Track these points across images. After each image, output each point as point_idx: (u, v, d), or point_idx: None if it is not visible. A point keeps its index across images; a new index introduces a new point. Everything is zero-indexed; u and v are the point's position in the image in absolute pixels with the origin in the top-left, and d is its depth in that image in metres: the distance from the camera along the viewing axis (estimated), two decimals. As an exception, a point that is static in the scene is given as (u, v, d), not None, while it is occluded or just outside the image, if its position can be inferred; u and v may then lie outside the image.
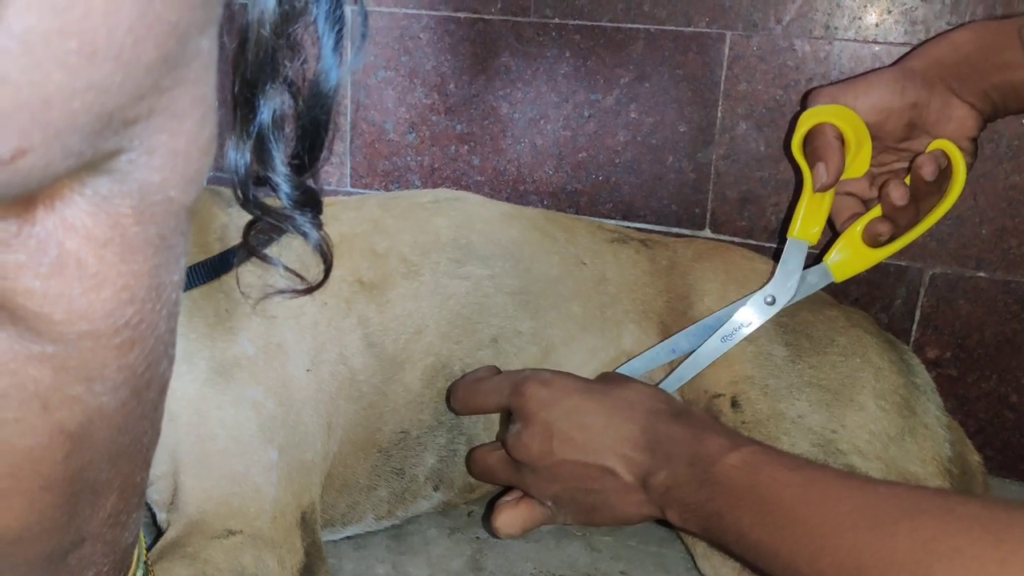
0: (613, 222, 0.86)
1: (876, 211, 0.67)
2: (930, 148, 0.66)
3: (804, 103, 0.70)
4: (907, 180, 0.68)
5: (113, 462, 0.31)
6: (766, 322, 0.68)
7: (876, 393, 0.63)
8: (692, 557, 0.64)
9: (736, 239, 0.84)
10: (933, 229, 0.78)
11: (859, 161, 0.67)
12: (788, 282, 0.67)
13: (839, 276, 0.69)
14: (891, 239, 0.67)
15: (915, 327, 0.81)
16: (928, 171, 0.64)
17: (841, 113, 0.65)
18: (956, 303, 0.79)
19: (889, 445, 0.61)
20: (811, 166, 0.66)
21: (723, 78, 0.81)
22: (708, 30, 0.81)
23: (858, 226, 0.67)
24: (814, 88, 0.70)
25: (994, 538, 0.39)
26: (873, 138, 0.67)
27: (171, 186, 0.25)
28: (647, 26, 0.82)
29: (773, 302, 0.67)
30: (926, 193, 0.66)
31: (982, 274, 0.78)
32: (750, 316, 0.67)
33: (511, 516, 0.60)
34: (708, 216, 0.85)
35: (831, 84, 0.70)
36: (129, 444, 0.31)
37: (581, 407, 0.58)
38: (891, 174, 0.69)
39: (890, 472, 0.60)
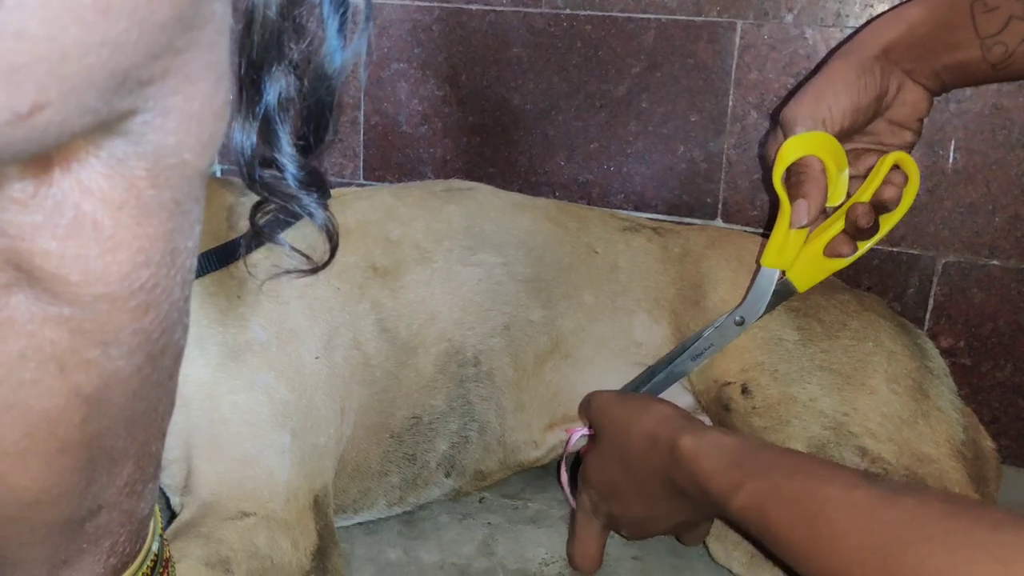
0: (625, 212, 0.86)
1: (838, 226, 0.65)
2: (887, 164, 0.65)
3: (777, 119, 0.67)
4: (867, 196, 0.66)
5: (129, 429, 0.31)
6: (777, 308, 0.68)
7: (888, 376, 0.63)
8: (704, 542, 0.64)
9: (748, 228, 0.83)
10: (946, 217, 0.78)
11: (839, 189, 0.65)
12: (757, 305, 0.67)
13: (801, 288, 0.68)
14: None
15: (928, 316, 0.81)
16: (892, 198, 0.65)
17: (823, 142, 0.64)
18: (969, 292, 0.79)
19: (902, 427, 0.61)
20: (792, 200, 0.64)
21: (734, 67, 0.81)
22: (719, 19, 0.81)
23: (820, 241, 0.66)
24: (789, 105, 0.66)
25: (1003, 568, 0.39)
26: (838, 137, 0.65)
27: (185, 149, 0.25)
28: (658, 16, 0.82)
29: (742, 323, 0.68)
30: (884, 211, 0.66)
31: (995, 262, 0.78)
32: (719, 338, 0.68)
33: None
34: (720, 205, 0.85)
35: (802, 96, 0.65)
36: (145, 411, 0.31)
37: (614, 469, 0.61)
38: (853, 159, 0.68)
39: (903, 454, 0.60)
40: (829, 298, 0.69)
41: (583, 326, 0.72)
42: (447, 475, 0.69)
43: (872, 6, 0.77)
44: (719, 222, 0.85)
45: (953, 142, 0.77)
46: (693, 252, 0.75)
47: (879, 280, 0.81)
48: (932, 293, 0.80)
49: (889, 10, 0.66)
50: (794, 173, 0.64)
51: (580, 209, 0.79)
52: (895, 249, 0.80)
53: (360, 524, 0.69)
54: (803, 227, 0.64)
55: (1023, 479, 0.78)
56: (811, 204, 0.63)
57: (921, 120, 0.67)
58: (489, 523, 0.70)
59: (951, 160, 0.77)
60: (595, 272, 0.73)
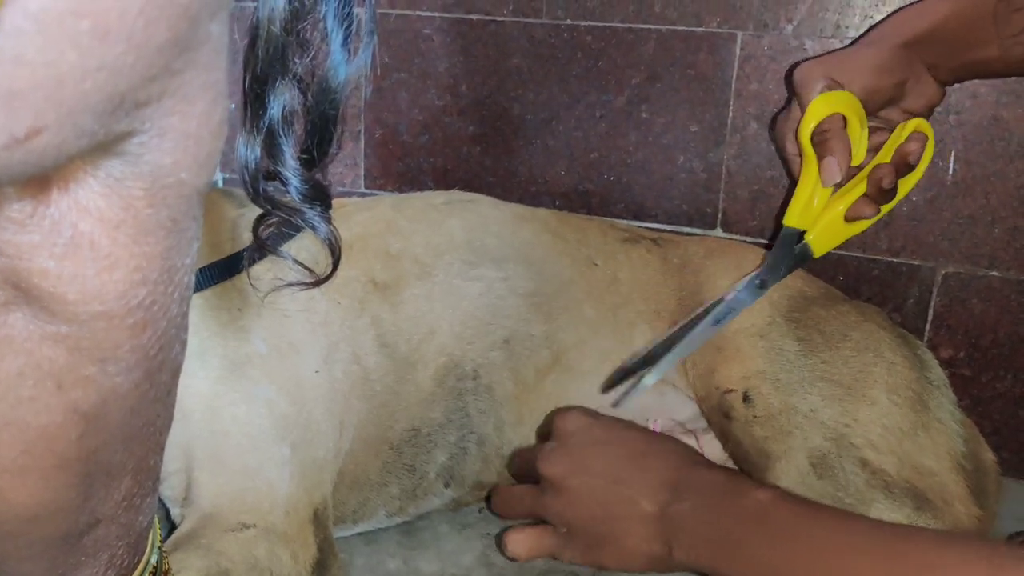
0: (625, 222, 0.86)
1: (858, 190, 0.68)
2: (908, 129, 0.68)
3: (792, 75, 0.70)
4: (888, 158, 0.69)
5: (127, 444, 0.31)
6: (776, 316, 0.68)
7: (889, 388, 0.63)
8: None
9: (747, 239, 0.84)
10: (946, 228, 0.78)
11: (862, 147, 0.68)
12: (778, 267, 0.69)
13: (818, 252, 0.70)
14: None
15: (928, 327, 0.81)
16: (915, 152, 0.67)
17: (849, 102, 0.66)
18: (969, 303, 0.79)
19: (903, 440, 0.61)
20: (820, 157, 0.66)
21: (734, 78, 0.81)
22: (719, 30, 0.81)
23: (840, 205, 0.68)
24: (804, 62, 0.70)
25: (988, 563, 0.42)
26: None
27: (182, 169, 0.25)
28: (658, 27, 0.83)
29: (763, 285, 0.69)
30: (905, 172, 0.68)
31: (995, 273, 0.78)
32: (742, 300, 0.69)
33: (521, 536, 0.64)
34: (719, 216, 0.85)
35: (820, 60, 0.69)
36: (142, 427, 0.31)
37: (618, 437, 0.62)
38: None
39: (904, 467, 0.60)
40: (829, 309, 0.70)
41: (584, 339, 0.72)
42: (446, 486, 0.69)
43: (871, 17, 0.77)
44: (719, 232, 0.85)
45: (952, 153, 0.77)
46: (692, 262, 0.75)
47: (879, 291, 0.81)
48: (932, 304, 0.80)
49: (914, 3, 0.68)
50: (818, 132, 0.66)
51: (580, 220, 0.79)
52: (895, 260, 0.80)
53: (360, 534, 0.69)
54: (835, 183, 0.66)
55: (1023, 492, 0.78)
56: (840, 160, 0.65)
57: (933, 108, 0.69)
58: (488, 533, 0.70)
59: (950, 171, 0.77)
60: (596, 285, 0.73)
